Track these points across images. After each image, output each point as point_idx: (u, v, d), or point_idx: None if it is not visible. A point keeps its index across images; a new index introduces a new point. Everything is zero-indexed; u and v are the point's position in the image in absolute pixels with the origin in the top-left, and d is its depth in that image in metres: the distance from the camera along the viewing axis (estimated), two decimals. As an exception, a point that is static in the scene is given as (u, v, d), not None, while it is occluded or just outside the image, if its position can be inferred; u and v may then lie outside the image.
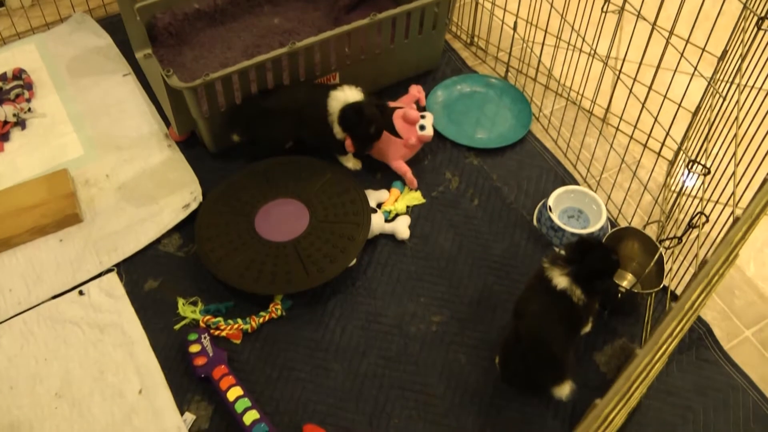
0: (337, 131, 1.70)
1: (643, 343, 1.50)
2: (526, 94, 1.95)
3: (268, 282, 1.55)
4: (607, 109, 1.88)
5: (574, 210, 1.71)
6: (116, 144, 1.84)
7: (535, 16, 1.90)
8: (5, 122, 1.86)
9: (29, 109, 1.90)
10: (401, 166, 1.76)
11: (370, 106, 1.67)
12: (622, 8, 1.56)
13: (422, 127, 1.74)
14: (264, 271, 1.56)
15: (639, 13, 1.50)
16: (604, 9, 1.57)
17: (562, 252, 1.41)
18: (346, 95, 1.68)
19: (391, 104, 1.80)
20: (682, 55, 1.46)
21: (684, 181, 1.68)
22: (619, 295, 1.51)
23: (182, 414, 1.43)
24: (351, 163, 1.78)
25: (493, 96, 1.96)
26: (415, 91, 1.87)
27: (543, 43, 1.90)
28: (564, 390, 1.39)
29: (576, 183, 1.77)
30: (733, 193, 1.26)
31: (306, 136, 1.77)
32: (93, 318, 1.56)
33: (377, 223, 1.65)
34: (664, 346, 0.91)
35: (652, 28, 1.47)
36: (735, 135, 1.32)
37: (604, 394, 1.29)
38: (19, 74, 1.96)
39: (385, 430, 1.41)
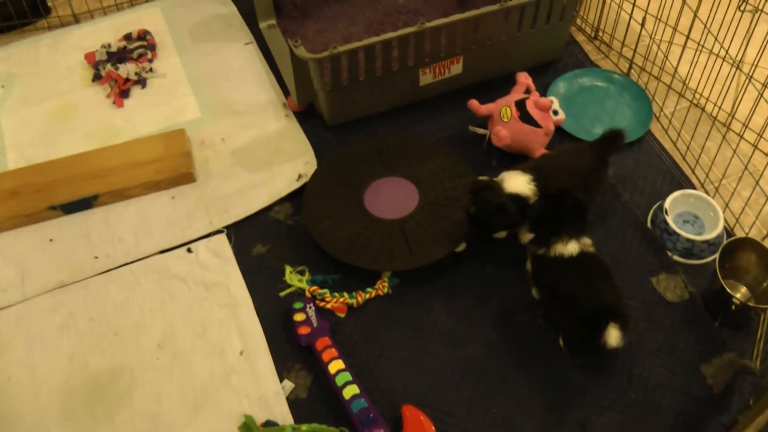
0: None
1: (754, 359, 1.45)
2: (647, 93, 1.89)
3: (372, 258, 1.55)
4: (732, 115, 1.81)
5: (690, 215, 1.65)
6: (233, 109, 1.86)
7: (665, 13, 1.84)
8: (127, 80, 1.90)
9: (151, 69, 1.94)
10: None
11: (490, 203, 1.48)
12: (760, 9, 1.50)
13: (555, 112, 1.74)
14: (369, 247, 1.56)
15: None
16: (741, 8, 1.51)
17: None
18: (515, 183, 1.51)
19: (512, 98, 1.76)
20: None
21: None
22: (732, 307, 1.46)
23: (281, 380, 1.43)
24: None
25: (614, 92, 1.91)
26: (523, 78, 1.84)
27: (671, 42, 1.84)
28: None
29: (693, 187, 1.72)
30: None
31: None
32: (199, 276, 1.58)
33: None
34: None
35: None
36: None
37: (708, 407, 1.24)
38: (143, 35, 2.00)
39: (483, 419, 1.39)
